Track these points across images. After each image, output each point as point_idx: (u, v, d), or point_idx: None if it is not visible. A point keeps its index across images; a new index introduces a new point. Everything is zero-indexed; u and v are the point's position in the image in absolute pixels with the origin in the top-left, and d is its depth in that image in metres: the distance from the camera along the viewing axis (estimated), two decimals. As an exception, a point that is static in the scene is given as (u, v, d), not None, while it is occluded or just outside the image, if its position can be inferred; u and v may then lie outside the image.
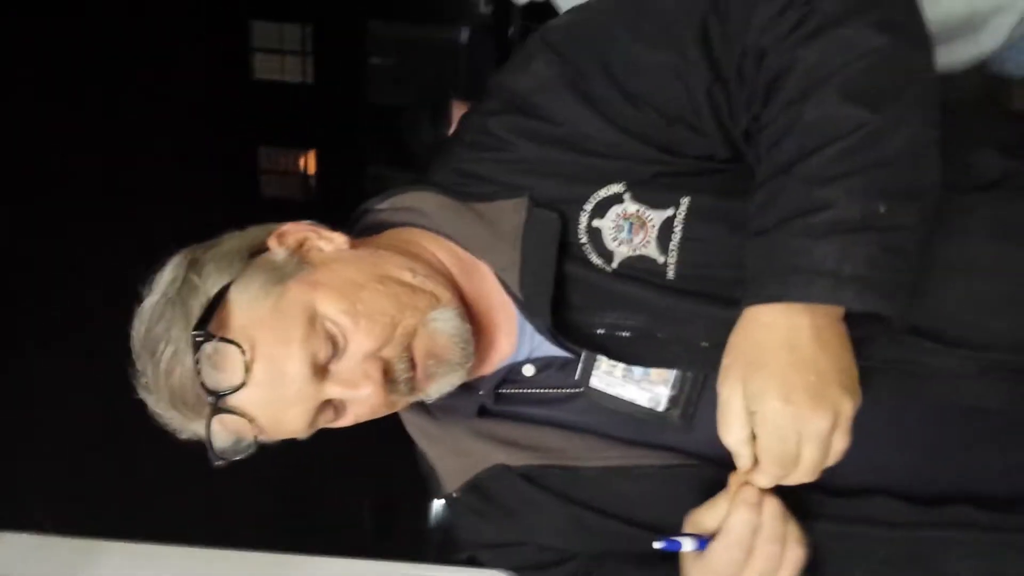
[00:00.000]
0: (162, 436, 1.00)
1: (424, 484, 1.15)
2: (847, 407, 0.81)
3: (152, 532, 1.87)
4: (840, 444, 0.82)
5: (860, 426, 0.83)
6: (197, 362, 0.90)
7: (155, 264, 0.99)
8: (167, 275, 0.96)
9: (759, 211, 0.85)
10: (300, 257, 0.98)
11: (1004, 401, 0.90)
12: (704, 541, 0.90)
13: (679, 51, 0.90)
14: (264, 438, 0.97)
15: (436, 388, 0.99)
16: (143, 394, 0.97)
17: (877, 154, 0.81)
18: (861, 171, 0.80)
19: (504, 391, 1.03)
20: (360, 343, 0.94)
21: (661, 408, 0.95)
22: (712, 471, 0.93)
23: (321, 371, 0.93)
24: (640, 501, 0.99)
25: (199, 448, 0.97)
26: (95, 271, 4.42)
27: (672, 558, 1.02)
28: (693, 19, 0.90)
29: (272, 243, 0.99)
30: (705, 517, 0.90)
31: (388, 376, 0.95)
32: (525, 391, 1.03)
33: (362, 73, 8.23)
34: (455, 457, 1.07)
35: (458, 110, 2.86)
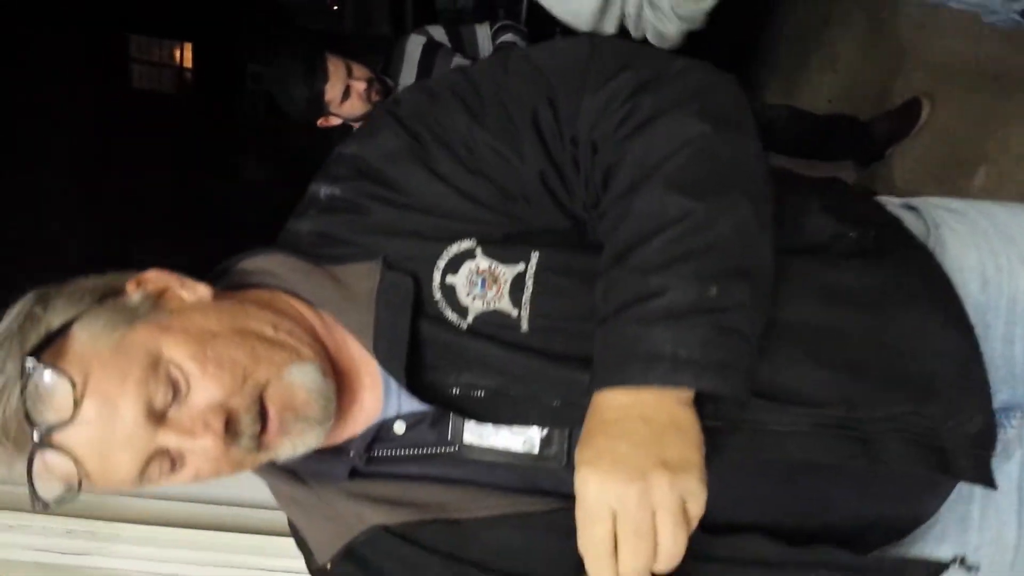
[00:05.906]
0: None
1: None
2: (693, 484, 0.80)
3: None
4: (695, 509, 0.81)
5: (715, 480, 0.82)
6: (23, 391, 0.86)
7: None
8: (14, 310, 0.93)
9: (601, 300, 0.86)
10: (157, 303, 0.95)
11: (833, 455, 0.92)
12: None
13: (513, 138, 0.94)
14: (90, 486, 0.91)
15: (290, 446, 0.95)
16: None
17: (704, 239, 0.82)
18: (691, 256, 0.82)
19: (376, 453, 1.01)
20: (205, 390, 0.90)
21: (536, 450, 0.95)
22: None
23: (157, 417, 0.89)
24: (525, 551, 0.97)
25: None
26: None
27: None
28: (526, 109, 0.94)
29: (130, 287, 0.97)
30: None
31: (232, 428, 0.91)
32: (398, 452, 1.00)
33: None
34: (327, 523, 1.02)
35: (333, 65, 2.76)
